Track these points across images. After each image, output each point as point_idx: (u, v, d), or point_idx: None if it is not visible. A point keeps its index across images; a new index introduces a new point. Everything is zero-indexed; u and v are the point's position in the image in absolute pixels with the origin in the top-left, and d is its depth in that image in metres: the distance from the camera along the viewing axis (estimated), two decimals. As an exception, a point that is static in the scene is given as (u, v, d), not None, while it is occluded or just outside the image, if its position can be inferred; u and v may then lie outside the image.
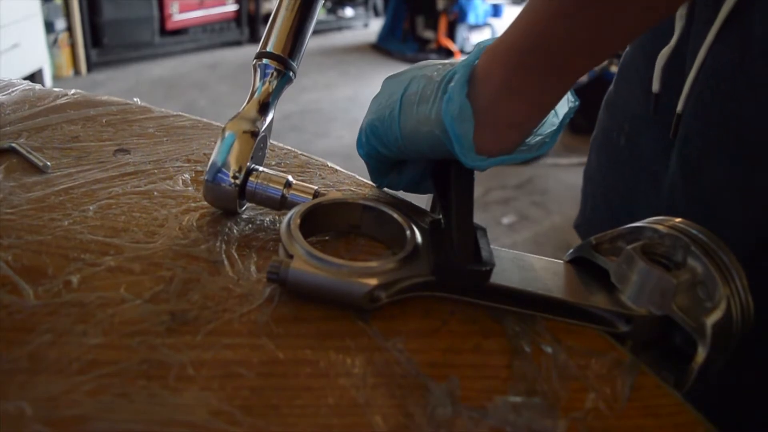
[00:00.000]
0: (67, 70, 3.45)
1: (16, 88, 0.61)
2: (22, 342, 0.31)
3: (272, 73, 0.46)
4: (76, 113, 0.57)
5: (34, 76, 3.09)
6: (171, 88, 3.49)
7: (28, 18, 2.99)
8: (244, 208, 0.44)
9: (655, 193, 0.59)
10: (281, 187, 0.42)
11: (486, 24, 4.44)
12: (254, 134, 0.42)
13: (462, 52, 4.33)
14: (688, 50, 0.51)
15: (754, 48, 0.46)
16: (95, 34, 3.55)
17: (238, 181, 0.41)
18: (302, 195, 0.42)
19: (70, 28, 3.41)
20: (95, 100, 0.60)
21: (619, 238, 0.39)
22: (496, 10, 4.49)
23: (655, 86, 0.55)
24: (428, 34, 4.34)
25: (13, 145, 0.49)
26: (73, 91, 0.61)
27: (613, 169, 0.67)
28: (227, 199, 0.42)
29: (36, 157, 0.48)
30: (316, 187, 0.43)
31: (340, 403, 0.29)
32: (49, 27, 3.24)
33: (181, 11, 3.89)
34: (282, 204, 0.42)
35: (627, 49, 0.64)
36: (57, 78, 3.38)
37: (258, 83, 0.46)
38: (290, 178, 0.43)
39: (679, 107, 0.51)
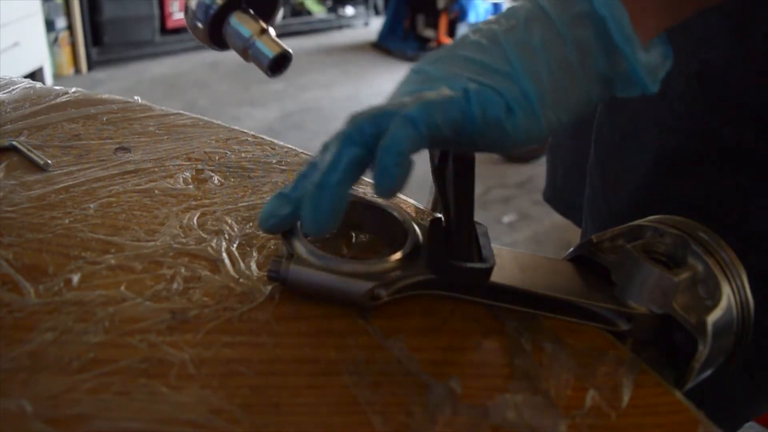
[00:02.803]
0: (68, 69, 3.45)
1: (16, 86, 0.61)
2: (23, 340, 0.31)
3: None
4: (76, 111, 0.57)
5: (35, 75, 3.08)
6: (171, 86, 3.49)
7: (29, 17, 2.98)
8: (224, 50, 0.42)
9: None
10: (251, 33, 0.39)
11: (487, 22, 4.44)
12: None
13: (462, 50, 4.32)
14: None
15: None
16: (96, 33, 3.55)
17: (209, 13, 0.39)
18: (267, 47, 0.39)
19: (70, 27, 3.41)
20: (96, 99, 0.60)
21: (619, 237, 0.39)
22: (496, 9, 4.49)
23: None
24: (429, 33, 4.34)
25: (14, 143, 0.49)
26: (73, 89, 0.61)
27: (581, 135, 0.68)
28: (199, 35, 0.39)
29: (37, 156, 0.48)
30: (287, 49, 0.40)
31: (340, 401, 0.29)
32: (49, 25, 3.24)
33: (182, 10, 3.89)
34: (245, 53, 0.40)
35: None
36: (57, 76, 3.38)
37: None
38: (270, 29, 0.40)
39: None
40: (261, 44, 0.39)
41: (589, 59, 0.32)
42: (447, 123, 0.31)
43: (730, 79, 0.46)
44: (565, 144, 0.73)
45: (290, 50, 0.40)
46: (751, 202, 0.47)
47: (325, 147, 0.33)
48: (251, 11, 0.41)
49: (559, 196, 0.76)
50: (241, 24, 0.40)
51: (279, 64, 0.40)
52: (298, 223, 0.37)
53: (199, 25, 0.40)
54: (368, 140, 0.31)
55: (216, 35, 0.40)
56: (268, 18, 0.43)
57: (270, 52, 0.39)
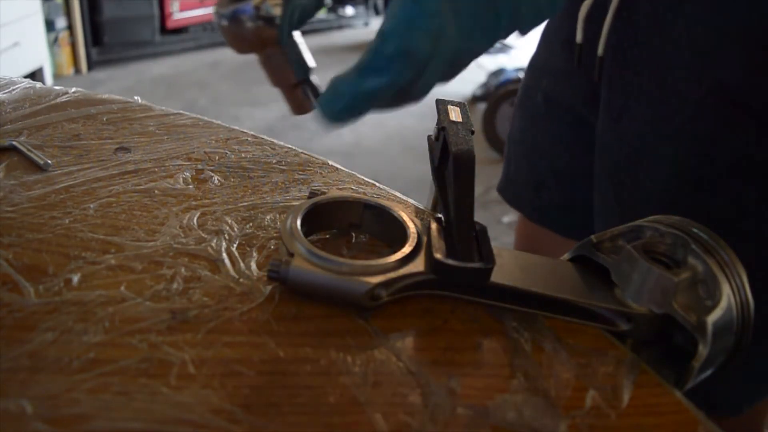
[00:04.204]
0: (68, 69, 3.45)
1: (16, 86, 0.61)
2: (23, 340, 0.31)
3: None
4: (76, 111, 0.57)
5: (35, 75, 3.09)
6: (171, 86, 3.49)
7: (29, 16, 2.99)
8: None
9: (578, 138, 0.63)
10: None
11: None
12: None
13: (462, 50, 4.31)
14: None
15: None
16: (96, 33, 3.55)
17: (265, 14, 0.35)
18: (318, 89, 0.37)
19: (70, 27, 3.41)
20: (96, 99, 0.60)
21: (619, 237, 0.39)
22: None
23: (579, 36, 0.58)
24: (429, 33, 4.33)
25: (14, 143, 0.49)
26: (73, 89, 0.61)
27: (532, 127, 0.71)
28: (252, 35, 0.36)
29: (37, 156, 0.48)
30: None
31: (340, 401, 0.29)
32: (49, 25, 3.24)
33: (182, 10, 3.89)
34: (293, 88, 0.37)
35: None
36: (57, 76, 3.38)
37: None
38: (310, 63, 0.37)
39: (600, 51, 0.55)
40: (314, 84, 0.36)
41: None
42: None
43: (746, 96, 0.46)
44: (517, 139, 0.74)
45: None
46: None
47: None
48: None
49: (509, 187, 0.77)
50: (304, 50, 0.36)
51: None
52: (297, 224, 0.37)
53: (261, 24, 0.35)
54: None
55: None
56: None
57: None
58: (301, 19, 0.39)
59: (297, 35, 0.38)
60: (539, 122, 0.70)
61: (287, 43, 0.37)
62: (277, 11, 0.36)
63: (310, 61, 0.37)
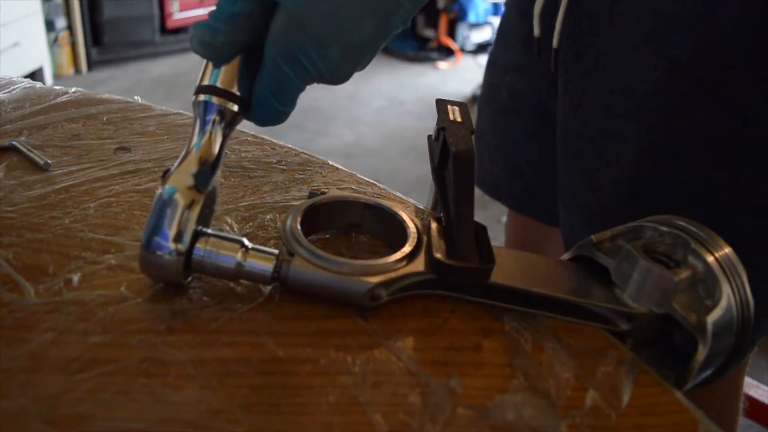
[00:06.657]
0: (68, 69, 3.45)
1: (16, 86, 0.61)
2: (23, 340, 0.31)
3: (214, 120, 0.36)
4: (76, 111, 0.57)
5: (35, 75, 3.08)
6: (171, 86, 3.49)
7: (29, 16, 2.99)
8: (189, 279, 0.36)
9: (545, 128, 0.65)
10: (235, 254, 0.34)
11: (486, 22, 4.44)
12: (200, 190, 0.34)
13: (462, 50, 4.32)
14: None
15: None
16: (96, 33, 3.55)
17: (182, 248, 0.33)
18: (261, 262, 0.34)
19: (70, 27, 3.41)
20: (96, 99, 0.60)
21: (619, 237, 0.39)
22: (496, 9, 4.48)
23: (536, 31, 0.60)
24: (428, 33, 4.33)
25: (14, 143, 0.49)
26: (73, 89, 0.61)
27: (501, 122, 0.74)
28: (169, 271, 0.34)
29: (37, 155, 0.48)
30: (277, 251, 0.35)
31: (340, 401, 0.29)
32: (49, 25, 3.24)
33: (182, 10, 3.89)
34: (238, 274, 0.34)
35: (503, 11, 0.72)
36: (57, 76, 3.38)
37: (196, 134, 0.36)
38: (246, 241, 0.35)
39: (555, 43, 0.57)
40: (254, 263, 0.34)
41: None
42: None
43: (698, 73, 0.49)
44: (488, 134, 0.77)
45: (277, 251, 0.35)
46: (737, 179, 0.50)
47: None
48: (210, 231, 0.35)
49: (487, 179, 0.79)
50: (217, 253, 0.34)
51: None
52: (297, 224, 0.37)
53: (167, 264, 0.33)
54: None
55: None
56: (209, 221, 0.37)
57: (268, 267, 0.34)
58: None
59: None
60: (507, 116, 0.72)
61: None
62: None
63: (231, 248, 0.36)
